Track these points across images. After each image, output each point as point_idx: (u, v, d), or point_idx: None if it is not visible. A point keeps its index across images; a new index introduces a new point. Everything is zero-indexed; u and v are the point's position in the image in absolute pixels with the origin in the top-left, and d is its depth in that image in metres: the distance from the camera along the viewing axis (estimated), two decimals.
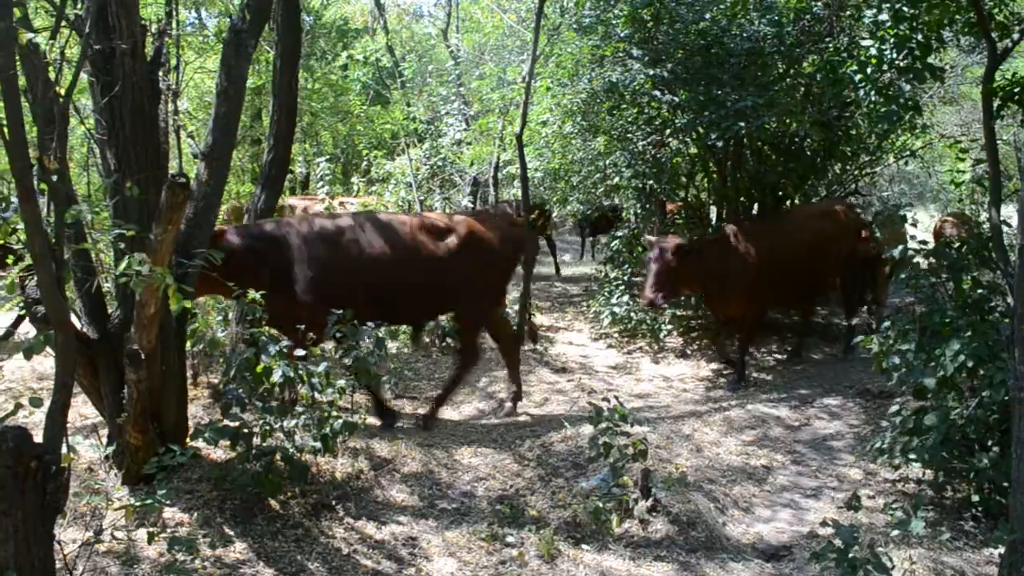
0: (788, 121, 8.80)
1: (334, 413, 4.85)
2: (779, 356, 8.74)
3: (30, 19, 4.26)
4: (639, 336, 9.30)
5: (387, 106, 13.46)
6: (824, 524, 4.12)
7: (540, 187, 10.73)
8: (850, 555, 3.72)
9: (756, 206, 9.27)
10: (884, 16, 5.79)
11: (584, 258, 16.33)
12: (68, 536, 4.08)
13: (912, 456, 5.04)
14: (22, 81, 3.85)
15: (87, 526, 4.22)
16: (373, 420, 6.27)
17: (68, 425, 3.45)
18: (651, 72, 8.44)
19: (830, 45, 8.13)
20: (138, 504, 3.77)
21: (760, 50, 8.28)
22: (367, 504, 4.88)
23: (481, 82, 11.65)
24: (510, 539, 4.62)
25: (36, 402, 3.39)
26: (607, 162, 9.40)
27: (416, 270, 6.22)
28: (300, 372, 4.70)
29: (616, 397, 5.28)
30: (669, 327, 9.15)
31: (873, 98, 6.10)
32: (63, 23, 4.19)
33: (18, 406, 3.37)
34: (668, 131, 9.11)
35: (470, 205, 9.76)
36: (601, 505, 4.83)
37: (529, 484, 5.29)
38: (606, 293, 9.77)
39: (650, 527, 4.77)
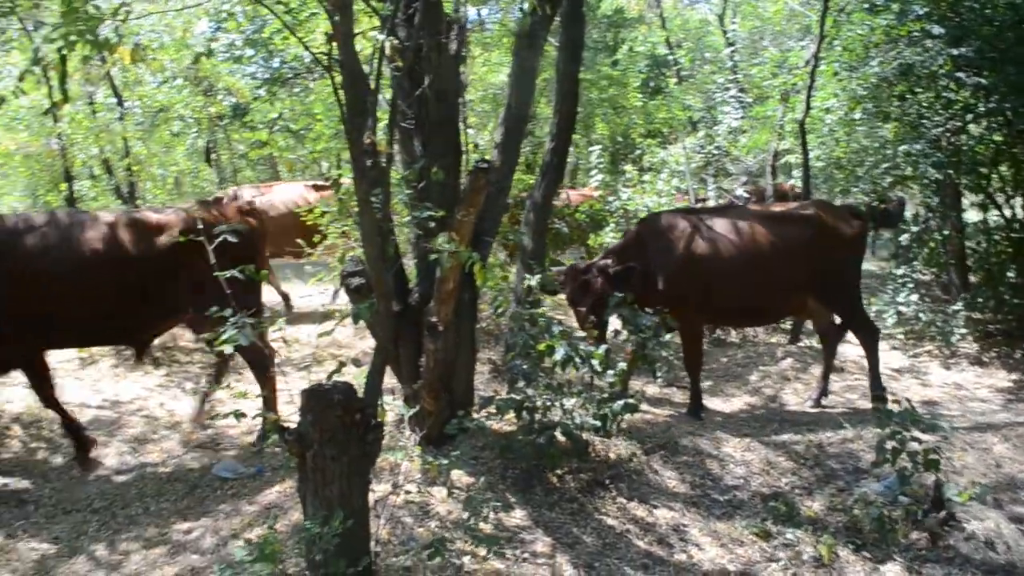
0: None
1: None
2: None
3: None
4: (927, 339, 8.63)
5: (661, 94, 13.43)
6: None
7: (819, 177, 10.22)
8: None
9: None
10: None
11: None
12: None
13: None
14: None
15: (387, 479, 4.66)
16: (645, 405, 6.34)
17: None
18: (954, 52, 7.74)
19: None
20: (438, 463, 4.10)
21: None
22: (639, 487, 4.95)
23: (759, 68, 11.30)
24: (788, 536, 4.50)
25: (357, 363, 3.79)
26: (898, 150, 8.76)
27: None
28: (580, 353, 4.85)
29: (908, 400, 4.95)
30: (964, 331, 8.38)
31: None
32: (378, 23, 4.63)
33: (342, 364, 3.79)
34: (970, 117, 8.31)
35: (745, 195, 9.52)
36: (886, 513, 4.56)
37: (804, 484, 5.12)
38: (890, 291, 9.13)
39: (942, 542, 4.44)
